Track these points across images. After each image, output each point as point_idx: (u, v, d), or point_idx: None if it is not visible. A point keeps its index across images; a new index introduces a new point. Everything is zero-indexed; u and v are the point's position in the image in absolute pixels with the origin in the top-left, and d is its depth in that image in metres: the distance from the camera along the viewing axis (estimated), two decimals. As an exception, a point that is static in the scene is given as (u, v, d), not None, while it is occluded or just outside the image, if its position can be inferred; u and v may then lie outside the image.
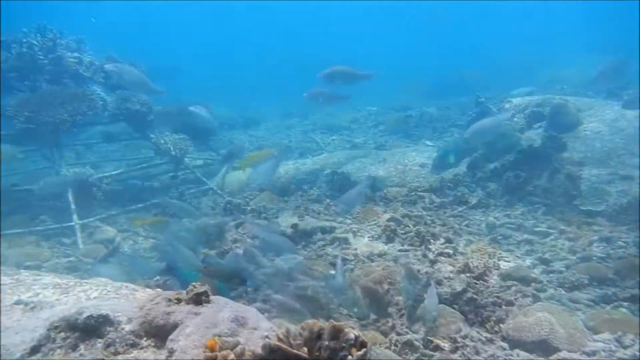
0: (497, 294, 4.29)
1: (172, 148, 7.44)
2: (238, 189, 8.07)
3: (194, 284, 1.82)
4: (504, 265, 5.03)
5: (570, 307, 4.25)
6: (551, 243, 5.54)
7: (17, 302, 1.79)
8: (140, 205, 6.79)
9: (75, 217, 5.99)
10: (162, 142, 7.43)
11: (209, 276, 2.98)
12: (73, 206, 6.08)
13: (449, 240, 5.59)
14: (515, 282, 4.57)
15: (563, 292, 4.54)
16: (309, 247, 5.88)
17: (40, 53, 6.96)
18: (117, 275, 4.10)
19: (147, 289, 2.00)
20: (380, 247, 5.58)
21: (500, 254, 5.27)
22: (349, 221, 6.52)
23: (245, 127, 14.22)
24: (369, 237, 6.03)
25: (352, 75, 6.03)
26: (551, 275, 4.87)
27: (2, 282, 2.02)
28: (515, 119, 8.26)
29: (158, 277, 4.47)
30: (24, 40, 6.99)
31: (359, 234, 6.13)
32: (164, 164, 7.87)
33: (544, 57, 19.27)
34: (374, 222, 6.41)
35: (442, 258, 5.18)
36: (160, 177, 8.57)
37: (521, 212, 6.33)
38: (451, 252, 5.30)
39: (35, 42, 7.00)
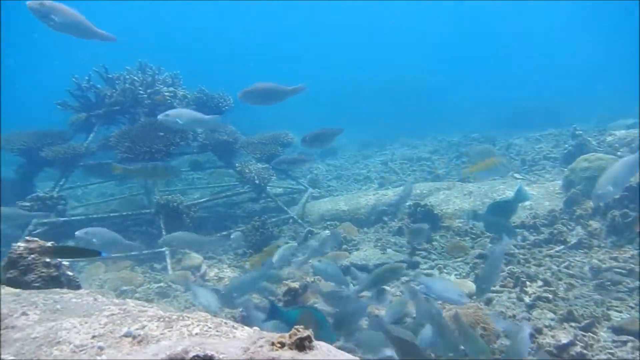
0: (610, 350, 3.81)
1: (255, 177, 7.61)
2: (318, 218, 8.06)
3: (297, 327, 1.74)
4: (614, 316, 4.49)
5: None
6: (671, 292, 4.88)
7: (126, 335, 1.80)
8: (224, 232, 6.95)
9: (165, 242, 6.23)
10: (247, 171, 7.63)
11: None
12: (164, 232, 6.35)
13: (547, 283, 5.11)
14: (631, 338, 4.04)
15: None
16: (392, 282, 5.67)
17: (140, 88, 7.52)
18: (210, 302, 4.17)
19: (246, 327, 1.94)
20: (469, 286, 5.24)
21: (609, 302, 4.71)
22: (434, 256, 6.24)
23: (323, 156, 14.35)
24: (456, 274, 5.70)
25: (277, 92, 5.15)
26: (675, 330, 4.25)
27: (110, 312, 2.07)
28: (619, 154, 7.58)
29: (242, 309, 4.48)
30: (127, 76, 7.60)
31: (445, 270, 5.83)
32: (247, 192, 8.06)
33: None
34: (461, 259, 6.08)
35: (541, 303, 4.74)
36: (243, 204, 8.79)
37: (631, 255, 5.67)
38: (550, 296, 4.84)
39: (136, 79, 7.58)
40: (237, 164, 7.86)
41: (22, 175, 7.68)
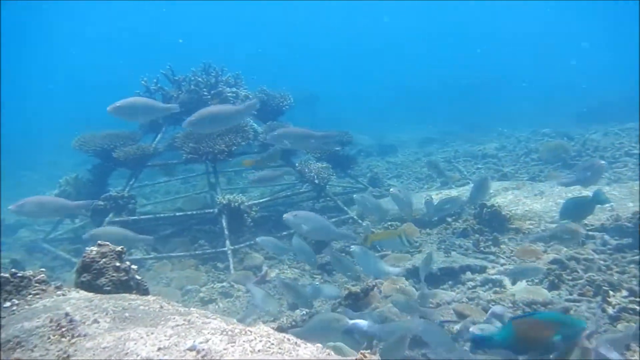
0: None
1: (315, 177, 7.57)
2: (378, 218, 7.89)
3: (363, 352, 1.63)
4: None
5: None
6: None
7: (191, 349, 1.78)
8: (284, 232, 6.97)
9: (227, 242, 6.35)
10: (306, 170, 7.61)
11: None
12: (226, 232, 6.46)
13: (633, 293, 4.66)
14: None
15: None
16: (457, 287, 5.43)
17: (204, 89, 7.69)
18: (269, 304, 4.16)
19: (309, 345, 1.86)
20: (543, 294, 4.88)
21: None
22: (502, 260, 5.90)
23: (383, 154, 14.11)
24: (527, 280, 5.34)
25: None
26: None
27: (175, 323, 2.07)
28: None
29: (304, 312, 4.44)
30: (192, 78, 7.80)
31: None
32: (307, 192, 8.04)
33: None
34: (532, 264, 5.69)
35: (627, 315, 4.33)
36: (302, 204, 8.80)
37: None
38: (638, 308, 4.40)
39: (200, 80, 7.77)
40: (296, 164, 7.86)
41: (96, 175, 8.12)
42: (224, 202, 6.73)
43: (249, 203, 7.08)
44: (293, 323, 4.31)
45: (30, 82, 42.11)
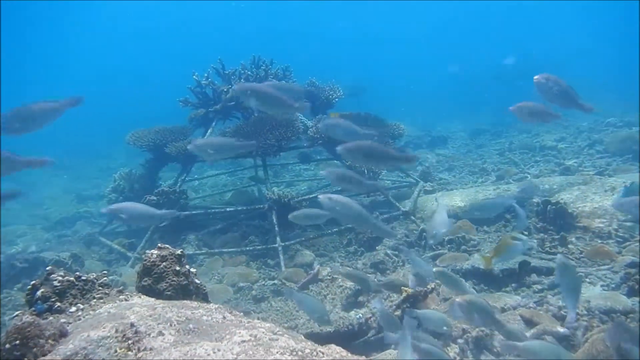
0: None
1: (365, 171, 7.36)
2: (432, 214, 7.60)
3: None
4: None
5: None
6: None
7: (261, 372, 1.65)
8: (335, 229, 6.82)
9: (278, 239, 6.26)
10: (357, 165, 7.40)
11: None
12: (277, 228, 6.38)
13: None
14: None
15: None
16: (522, 290, 5.10)
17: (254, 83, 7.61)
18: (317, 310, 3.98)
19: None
20: (622, 300, 4.46)
21: None
22: (571, 262, 5.49)
23: (432, 145, 13.66)
24: (602, 285, 4.94)
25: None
26: None
27: (241, 338, 1.95)
28: None
29: (360, 315, 4.27)
30: (242, 72, 7.74)
31: (587, 279, 5.09)
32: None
33: None
34: (606, 266, 5.27)
35: None
36: (351, 198, 8.60)
37: None
38: None
39: (250, 73, 7.70)
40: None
41: (148, 170, 8.24)
42: (274, 197, 6.64)
43: (299, 198, 6.97)
44: (350, 327, 4.16)
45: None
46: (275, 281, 5.61)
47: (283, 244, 6.26)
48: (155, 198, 6.93)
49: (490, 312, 3.27)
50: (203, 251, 6.57)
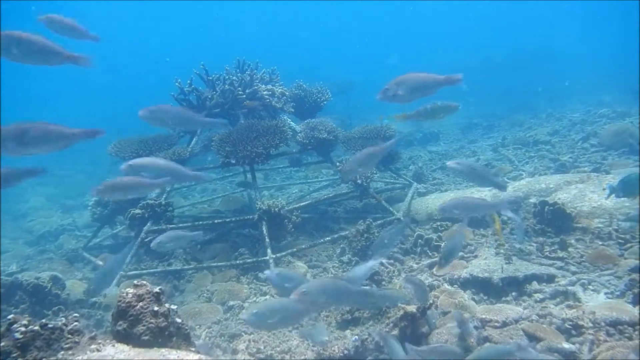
0: None
1: (357, 176, 7.12)
2: (426, 217, 7.40)
3: None
4: None
5: None
6: None
7: None
8: (327, 238, 6.60)
9: (269, 251, 6.03)
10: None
11: None
12: (267, 240, 6.14)
13: None
14: None
15: None
16: (523, 300, 4.91)
17: (239, 88, 7.34)
18: (318, 334, 3.81)
19: None
20: (628, 310, 4.26)
21: None
22: (572, 268, 5.32)
23: (424, 142, 13.46)
24: (606, 292, 4.76)
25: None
26: None
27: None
28: None
29: (356, 338, 4.05)
30: (227, 77, 7.45)
31: (590, 287, 4.91)
32: (350, 192, 7.59)
33: None
34: (609, 271, 5.10)
35: None
36: (343, 202, 8.39)
37: None
38: None
39: (235, 79, 7.41)
40: (337, 162, 7.43)
41: (133, 181, 7.93)
42: (264, 207, 6.40)
43: (290, 207, 6.73)
44: (346, 352, 3.95)
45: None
46: (267, 297, 5.38)
47: (274, 256, 6.02)
48: (140, 212, 6.67)
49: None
50: (191, 266, 6.32)
